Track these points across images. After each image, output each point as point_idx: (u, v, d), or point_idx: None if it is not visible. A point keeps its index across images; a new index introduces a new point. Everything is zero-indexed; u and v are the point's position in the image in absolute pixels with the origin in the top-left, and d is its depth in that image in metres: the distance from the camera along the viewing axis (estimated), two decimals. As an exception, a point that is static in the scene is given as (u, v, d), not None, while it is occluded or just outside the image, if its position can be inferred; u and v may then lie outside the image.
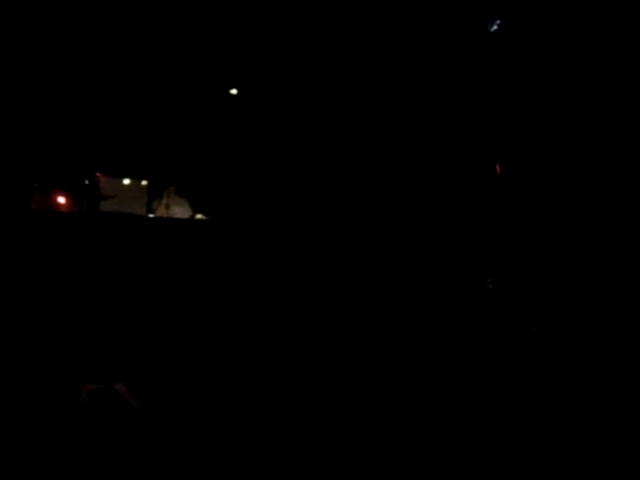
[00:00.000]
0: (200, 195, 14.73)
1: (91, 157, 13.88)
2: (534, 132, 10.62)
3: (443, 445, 4.34)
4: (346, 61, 12.39)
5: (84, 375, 5.25)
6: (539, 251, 10.13)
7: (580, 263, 9.56)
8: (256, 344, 6.81)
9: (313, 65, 12.67)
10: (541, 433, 4.63)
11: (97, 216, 13.76)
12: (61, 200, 14.73)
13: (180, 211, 15.26)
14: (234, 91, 13.72)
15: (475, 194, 11.20)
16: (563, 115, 10.27)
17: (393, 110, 12.10)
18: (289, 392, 5.30)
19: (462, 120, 11.49)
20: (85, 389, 4.75)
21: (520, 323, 8.33)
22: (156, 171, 14.76)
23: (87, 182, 14.86)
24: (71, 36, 12.45)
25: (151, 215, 15.20)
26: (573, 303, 8.99)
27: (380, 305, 8.79)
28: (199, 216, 14.94)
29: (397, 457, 4.15)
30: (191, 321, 7.57)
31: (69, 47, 12.55)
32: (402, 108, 12.02)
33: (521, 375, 6.15)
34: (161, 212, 15.49)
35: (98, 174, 14.95)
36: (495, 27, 11.10)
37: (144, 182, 15.70)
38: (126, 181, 15.67)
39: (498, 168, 11.08)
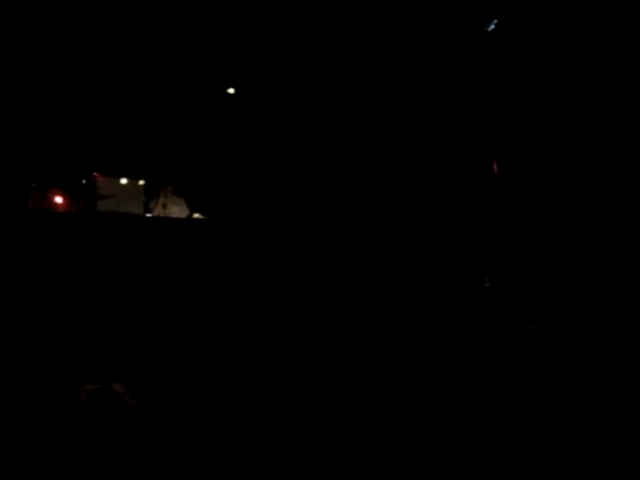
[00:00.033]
0: (197, 194, 14.71)
1: (88, 157, 13.85)
2: (531, 131, 10.64)
3: (442, 444, 4.35)
4: (343, 60, 12.39)
5: (82, 375, 5.25)
6: (536, 250, 10.15)
7: (578, 262, 9.58)
8: (255, 344, 6.81)
9: (310, 64, 12.67)
10: (539, 432, 4.64)
11: (94, 216, 13.75)
12: (58, 200, 14.69)
13: (177, 210, 15.24)
14: (231, 90, 13.71)
15: (472, 193, 11.22)
16: (561, 114, 10.29)
17: (389, 109, 12.11)
18: (289, 392, 5.31)
19: (459, 119, 11.51)
20: (83, 389, 4.75)
21: (517, 321, 8.35)
22: (153, 171, 14.74)
23: (84, 182, 14.84)
24: (68, 36, 12.41)
25: (148, 214, 15.18)
26: (571, 302, 9.01)
27: (377, 303, 8.80)
28: (196, 215, 14.92)
29: (397, 457, 4.15)
30: (189, 321, 7.57)
31: (66, 47, 12.51)
32: (398, 107, 12.03)
33: (518, 373, 6.16)
34: (158, 211, 15.47)
35: (95, 174, 14.93)
36: (492, 26, 11.12)
37: (141, 182, 15.68)
38: (123, 181, 15.65)
39: (495, 167, 11.11)
